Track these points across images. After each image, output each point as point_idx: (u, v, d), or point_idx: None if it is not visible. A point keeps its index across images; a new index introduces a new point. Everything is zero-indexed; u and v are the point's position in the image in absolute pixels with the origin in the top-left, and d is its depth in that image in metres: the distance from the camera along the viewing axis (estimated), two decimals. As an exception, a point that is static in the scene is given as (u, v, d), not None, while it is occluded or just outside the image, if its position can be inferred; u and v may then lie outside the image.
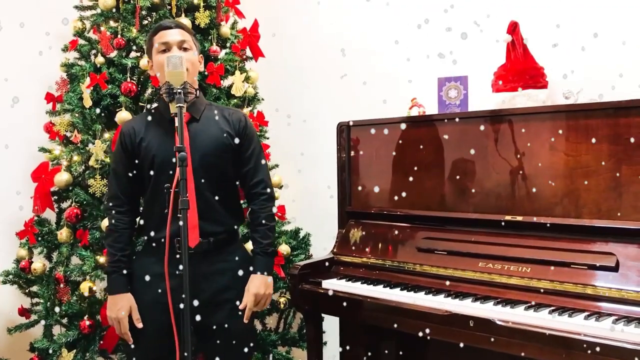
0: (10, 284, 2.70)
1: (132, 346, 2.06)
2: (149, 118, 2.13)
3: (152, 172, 2.05)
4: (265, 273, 2.14)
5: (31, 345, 2.63)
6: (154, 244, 2.08)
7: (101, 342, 2.53)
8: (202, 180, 2.03)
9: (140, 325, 2.04)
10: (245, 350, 2.18)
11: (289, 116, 3.37)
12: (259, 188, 2.18)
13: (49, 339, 2.56)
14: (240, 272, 2.11)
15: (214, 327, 2.04)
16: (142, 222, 2.15)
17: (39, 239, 2.68)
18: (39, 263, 2.63)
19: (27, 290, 2.72)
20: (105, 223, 2.42)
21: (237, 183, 2.22)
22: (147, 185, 2.08)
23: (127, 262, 2.09)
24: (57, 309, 2.56)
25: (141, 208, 2.20)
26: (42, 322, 2.60)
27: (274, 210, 2.22)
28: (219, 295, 2.07)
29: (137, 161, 2.08)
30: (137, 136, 2.08)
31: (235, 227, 2.19)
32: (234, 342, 2.09)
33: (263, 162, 2.23)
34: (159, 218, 2.01)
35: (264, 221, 2.16)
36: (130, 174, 2.09)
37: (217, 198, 2.07)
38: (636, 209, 1.84)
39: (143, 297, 2.06)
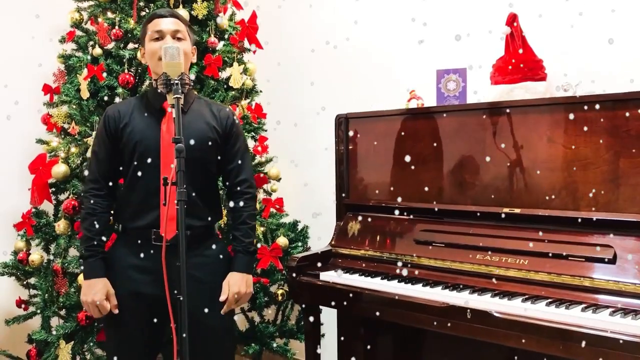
0: (8, 276, 2.70)
1: (113, 332, 2.06)
2: (137, 104, 2.12)
3: (133, 159, 2.03)
4: (246, 272, 2.13)
5: (29, 337, 2.64)
6: (129, 233, 2.06)
7: (99, 333, 2.53)
8: (186, 173, 2.00)
9: (116, 311, 2.02)
10: (228, 341, 2.18)
11: (287, 108, 3.37)
12: (243, 187, 2.17)
13: (47, 331, 2.56)
14: (218, 267, 2.11)
15: (193, 320, 2.01)
16: (117, 209, 2.12)
17: (37, 230, 2.68)
18: (36, 255, 2.63)
19: (25, 282, 2.71)
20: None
21: (220, 180, 2.21)
22: (127, 172, 2.06)
23: (104, 246, 2.07)
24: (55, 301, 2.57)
25: None
26: (40, 313, 2.60)
27: (256, 210, 2.22)
28: (191, 289, 2.04)
29: (119, 145, 2.05)
30: (121, 120, 2.06)
31: (213, 222, 2.17)
32: (215, 335, 2.07)
33: (248, 160, 2.22)
34: (136, 207, 2.00)
35: (247, 220, 2.14)
36: (111, 158, 2.07)
37: (197, 192, 2.04)
38: (634, 201, 1.85)
39: (117, 288, 2.04)
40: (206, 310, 2.04)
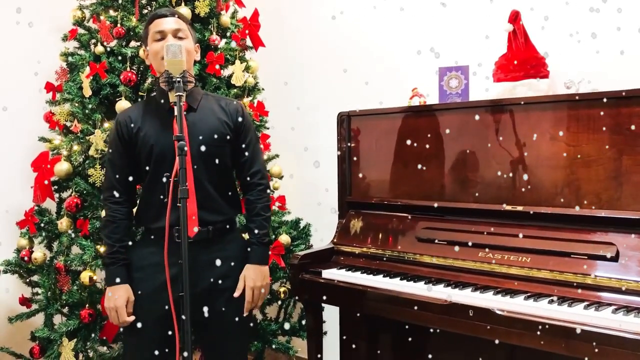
0: (11, 274, 2.70)
1: (135, 329, 2.05)
2: (146, 107, 2.12)
3: (150, 162, 2.04)
4: (261, 263, 2.15)
5: (32, 335, 2.64)
6: (152, 234, 2.08)
7: (102, 331, 2.54)
8: (201, 170, 2.03)
9: (131, 319, 2.03)
10: (243, 338, 2.19)
11: (290, 106, 3.37)
12: (256, 178, 2.18)
13: (50, 328, 2.57)
14: (239, 261, 2.12)
15: (212, 315, 2.04)
16: (139, 212, 2.14)
17: (40, 228, 2.68)
18: (39, 252, 2.63)
19: (27, 280, 2.72)
20: (103, 213, 2.41)
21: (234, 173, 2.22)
22: (145, 175, 2.07)
23: (125, 253, 2.08)
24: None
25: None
26: (43, 311, 2.60)
27: (270, 201, 2.23)
28: (218, 284, 2.07)
29: (134, 151, 2.07)
30: (134, 125, 2.07)
31: (234, 216, 2.19)
32: (232, 330, 2.09)
33: (259, 152, 2.24)
34: (157, 208, 2.01)
35: (260, 212, 2.16)
36: (127, 164, 2.08)
37: (215, 187, 2.07)
38: (637, 198, 1.84)
39: (142, 288, 2.05)
40: (228, 303, 2.07)
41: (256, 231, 2.14)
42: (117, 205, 2.08)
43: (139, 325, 2.04)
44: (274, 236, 2.88)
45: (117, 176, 2.08)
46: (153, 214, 2.05)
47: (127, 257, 2.08)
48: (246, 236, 2.28)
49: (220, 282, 2.08)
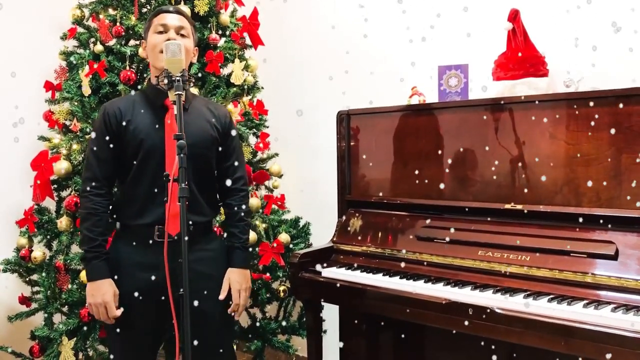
0: (10, 273, 2.70)
1: (117, 331, 2.03)
2: (136, 101, 2.09)
3: (137, 156, 2.01)
4: (245, 267, 2.16)
5: (32, 334, 2.64)
6: (132, 232, 2.04)
7: (101, 330, 2.54)
8: (188, 170, 1.95)
9: (118, 313, 2.00)
10: (229, 338, 2.19)
11: (289, 105, 3.37)
12: (239, 184, 2.18)
13: (50, 327, 2.56)
14: (221, 262, 2.13)
15: (198, 317, 1.99)
16: (117, 207, 2.09)
17: (39, 227, 2.68)
18: (39, 251, 2.63)
19: (27, 279, 2.72)
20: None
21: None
22: (129, 169, 2.03)
23: (106, 247, 2.05)
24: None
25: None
26: (43, 310, 2.60)
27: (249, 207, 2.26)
28: (199, 284, 2.03)
29: (122, 143, 2.03)
30: (123, 117, 2.03)
31: (212, 219, 2.18)
32: (218, 330, 2.08)
33: (243, 159, 2.25)
34: (141, 204, 2.00)
35: (244, 217, 2.17)
36: (112, 156, 2.04)
37: (199, 189, 2.06)
38: (636, 197, 1.84)
39: (124, 288, 2.01)
40: (211, 302, 2.06)
41: (240, 236, 2.15)
42: (99, 198, 2.03)
43: (125, 326, 2.01)
44: (273, 235, 2.88)
45: (100, 167, 2.03)
46: (135, 211, 2.02)
47: (107, 251, 2.05)
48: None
49: (201, 282, 2.04)
